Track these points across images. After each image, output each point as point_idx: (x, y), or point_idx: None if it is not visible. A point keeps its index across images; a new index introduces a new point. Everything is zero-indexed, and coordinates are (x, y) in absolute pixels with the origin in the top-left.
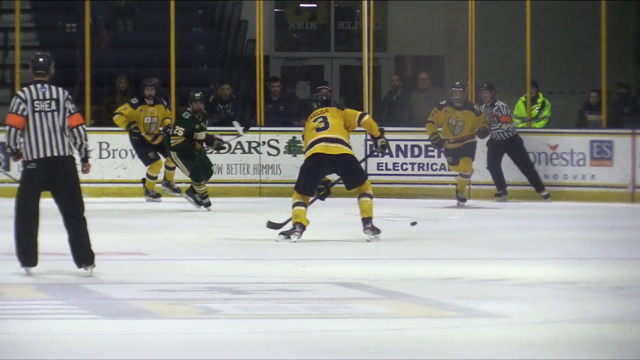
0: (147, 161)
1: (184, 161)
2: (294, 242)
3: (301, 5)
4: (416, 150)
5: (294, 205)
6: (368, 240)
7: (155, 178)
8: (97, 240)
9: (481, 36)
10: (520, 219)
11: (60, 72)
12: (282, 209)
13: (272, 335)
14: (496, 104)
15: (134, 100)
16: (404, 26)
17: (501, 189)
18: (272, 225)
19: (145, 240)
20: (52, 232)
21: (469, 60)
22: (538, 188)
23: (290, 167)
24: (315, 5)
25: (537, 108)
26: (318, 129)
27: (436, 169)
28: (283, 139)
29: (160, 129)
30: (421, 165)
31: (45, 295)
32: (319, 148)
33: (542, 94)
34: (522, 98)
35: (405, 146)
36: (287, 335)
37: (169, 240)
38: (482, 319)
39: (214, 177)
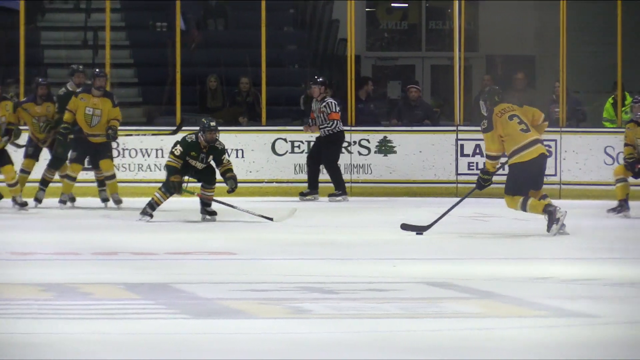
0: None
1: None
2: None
3: (392, 4)
4: None
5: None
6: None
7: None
8: (188, 239)
9: (572, 36)
10: (613, 218)
11: (150, 72)
12: (371, 208)
13: (362, 335)
14: (326, 100)
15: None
16: (495, 26)
17: (339, 189)
18: (408, 227)
19: (235, 239)
20: (142, 232)
21: (559, 60)
22: (336, 187)
23: (381, 167)
24: (406, 4)
25: (625, 110)
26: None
27: None
28: (374, 138)
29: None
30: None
31: (135, 295)
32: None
33: (628, 94)
34: (610, 99)
35: None
36: (377, 335)
37: (258, 239)
38: (573, 319)
39: (302, 177)
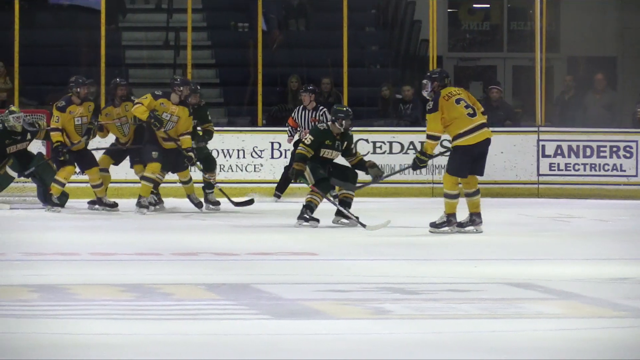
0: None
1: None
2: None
3: (474, 5)
4: (588, 151)
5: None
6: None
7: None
8: (269, 240)
9: None
10: None
11: (232, 72)
12: None
13: (443, 336)
14: (320, 108)
15: (158, 92)
16: (577, 26)
17: (280, 191)
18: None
19: (317, 240)
20: (223, 233)
21: None
22: (278, 189)
23: None
24: (488, 5)
25: None
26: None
27: (608, 170)
28: None
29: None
30: (593, 165)
31: (216, 295)
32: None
33: None
34: None
35: (578, 147)
36: (458, 335)
37: (340, 240)
38: None
39: (414, 177)
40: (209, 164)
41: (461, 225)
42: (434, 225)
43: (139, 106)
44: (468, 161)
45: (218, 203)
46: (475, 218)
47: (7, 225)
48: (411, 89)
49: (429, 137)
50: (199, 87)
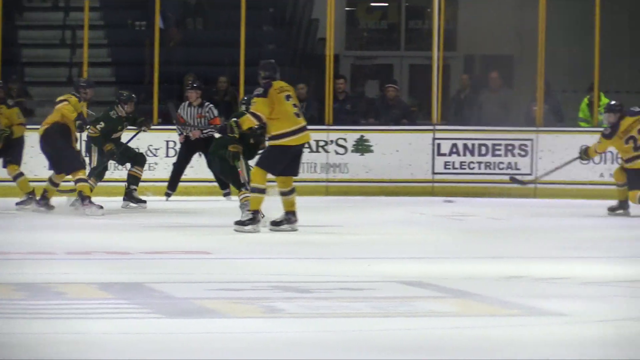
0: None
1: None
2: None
3: (372, 4)
4: (483, 149)
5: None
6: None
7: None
8: (162, 238)
9: (551, 35)
10: (585, 218)
11: (128, 71)
12: (347, 207)
13: (336, 334)
14: (206, 104)
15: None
16: (474, 25)
17: (171, 189)
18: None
19: (209, 239)
20: (115, 232)
21: (538, 59)
22: (170, 187)
23: (358, 166)
24: (386, 4)
25: (600, 111)
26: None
27: (503, 168)
28: (351, 138)
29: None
30: (488, 164)
31: (108, 294)
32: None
33: (603, 94)
34: (586, 99)
35: (473, 145)
36: (351, 334)
37: (233, 239)
38: (545, 318)
39: (308, 176)
40: (138, 159)
41: (276, 223)
42: (239, 223)
43: (66, 104)
44: (283, 160)
45: (143, 201)
46: (290, 217)
47: None
48: (305, 87)
49: (253, 114)
50: (134, 95)
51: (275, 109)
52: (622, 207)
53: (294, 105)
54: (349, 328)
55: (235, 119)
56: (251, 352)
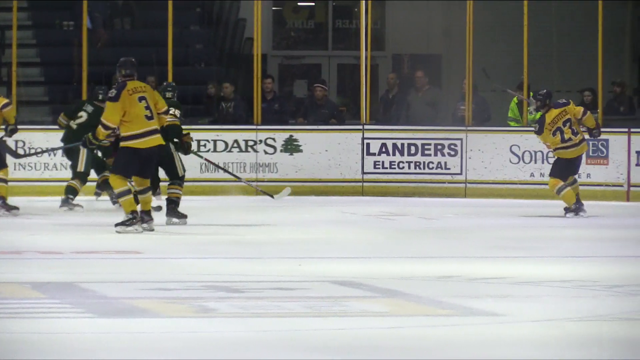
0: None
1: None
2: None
3: (299, 3)
4: (412, 149)
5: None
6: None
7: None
8: (94, 239)
9: (478, 35)
10: (516, 218)
11: (57, 71)
12: (278, 207)
13: (268, 334)
14: None
15: None
16: (402, 25)
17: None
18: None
19: (141, 238)
20: (48, 232)
21: (466, 59)
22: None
23: (287, 165)
24: (313, 3)
25: (530, 110)
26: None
27: (432, 167)
28: (280, 137)
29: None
30: (417, 163)
31: (41, 294)
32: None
33: (532, 94)
34: (515, 99)
35: (402, 144)
36: (283, 333)
37: (164, 238)
38: (479, 318)
39: (210, 176)
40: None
41: (124, 224)
42: (120, 224)
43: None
44: (134, 162)
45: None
46: (144, 216)
47: None
48: (231, 86)
49: (104, 126)
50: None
51: (127, 112)
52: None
53: (146, 107)
54: (281, 328)
55: (91, 132)
56: (185, 352)
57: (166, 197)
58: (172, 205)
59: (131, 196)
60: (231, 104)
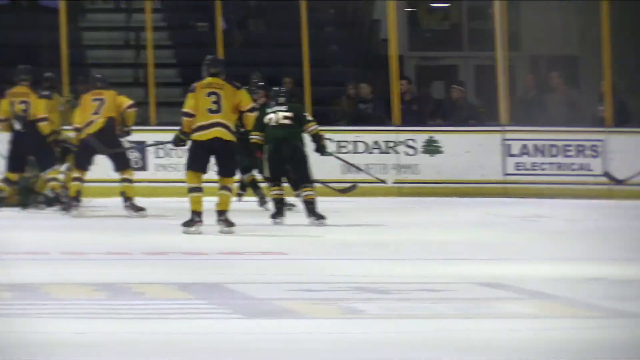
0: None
1: None
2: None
3: (432, 5)
4: (554, 150)
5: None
6: (221, 232)
7: None
8: (238, 239)
9: (615, 35)
10: None
11: (192, 72)
12: (420, 209)
13: (415, 335)
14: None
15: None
16: (538, 26)
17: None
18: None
19: (286, 239)
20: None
21: (602, 60)
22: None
23: (428, 167)
24: (447, 4)
25: None
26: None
27: (575, 169)
28: (420, 138)
29: None
30: (559, 164)
31: (187, 294)
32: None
33: None
34: None
35: (543, 146)
36: (430, 335)
37: (309, 239)
38: (626, 320)
39: (352, 177)
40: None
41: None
42: (183, 224)
43: None
44: (198, 155)
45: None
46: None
47: None
48: (368, 87)
49: (183, 114)
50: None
51: (197, 106)
52: None
53: (214, 102)
54: (428, 329)
55: (181, 130)
56: (331, 353)
57: (303, 199)
58: (311, 207)
59: (198, 194)
60: (370, 105)
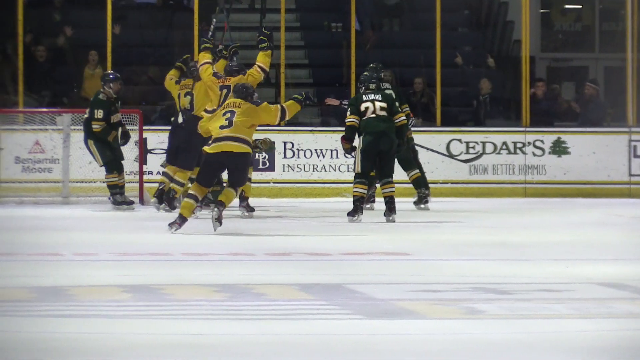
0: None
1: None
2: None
3: (566, 6)
4: None
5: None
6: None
7: None
8: (360, 240)
9: None
10: None
11: (325, 72)
12: (545, 209)
13: (535, 336)
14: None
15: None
16: None
17: None
18: None
19: (408, 240)
20: (313, 232)
21: None
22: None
23: (555, 167)
24: (580, 6)
25: None
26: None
27: None
28: (548, 139)
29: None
30: None
31: (308, 295)
32: None
33: None
34: None
35: None
36: (550, 335)
37: (431, 240)
38: None
39: (478, 177)
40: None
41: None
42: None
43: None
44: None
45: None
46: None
47: (95, 225)
48: (488, 83)
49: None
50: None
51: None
52: None
53: (227, 119)
54: (547, 329)
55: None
56: (452, 354)
57: (383, 196)
58: (391, 204)
59: (191, 201)
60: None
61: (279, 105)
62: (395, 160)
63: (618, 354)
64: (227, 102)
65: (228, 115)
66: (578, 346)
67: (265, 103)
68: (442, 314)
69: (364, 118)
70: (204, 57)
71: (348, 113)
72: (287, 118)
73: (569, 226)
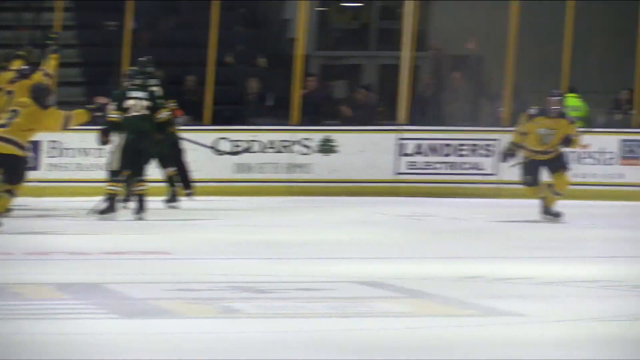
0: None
1: None
2: None
3: (343, 4)
4: (447, 150)
5: None
6: None
7: None
8: (121, 239)
9: (521, 36)
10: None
11: (99, 71)
12: (310, 208)
13: (292, 335)
14: None
15: None
16: (446, 26)
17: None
18: None
19: (170, 239)
20: (74, 232)
21: (507, 60)
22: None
23: (322, 166)
24: (359, 4)
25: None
26: None
27: (466, 168)
28: (316, 138)
29: None
30: (451, 164)
31: (64, 295)
32: None
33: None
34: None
35: (437, 145)
36: (307, 334)
37: (193, 238)
38: (502, 318)
39: (243, 176)
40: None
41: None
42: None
43: None
44: None
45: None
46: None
47: None
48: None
49: None
50: None
51: None
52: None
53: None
54: (305, 328)
55: None
56: (207, 353)
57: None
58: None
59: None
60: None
61: (64, 112)
62: (155, 157)
63: (375, 353)
64: (17, 100)
65: (10, 114)
66: (335, 345)
67: (54, 108)
68: (198, 312)
69: (126, 115)
70: None
71: (111, 108)
72: (71, 126)
73: (332, 225)
